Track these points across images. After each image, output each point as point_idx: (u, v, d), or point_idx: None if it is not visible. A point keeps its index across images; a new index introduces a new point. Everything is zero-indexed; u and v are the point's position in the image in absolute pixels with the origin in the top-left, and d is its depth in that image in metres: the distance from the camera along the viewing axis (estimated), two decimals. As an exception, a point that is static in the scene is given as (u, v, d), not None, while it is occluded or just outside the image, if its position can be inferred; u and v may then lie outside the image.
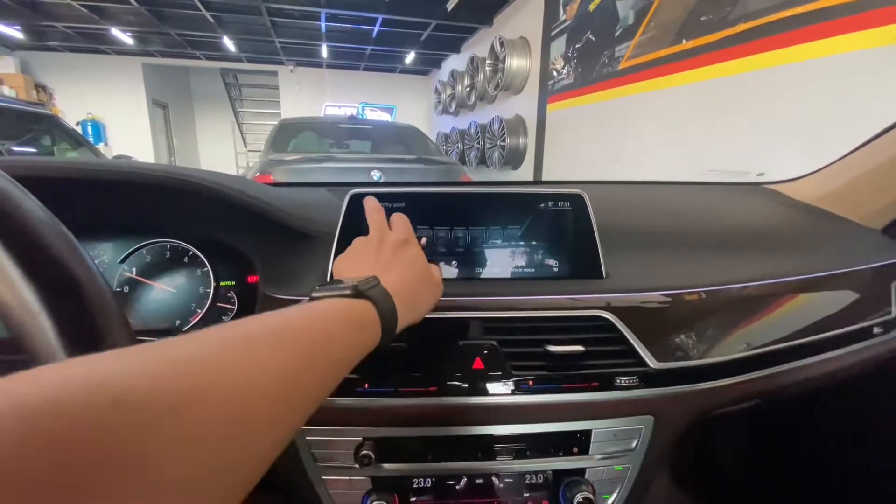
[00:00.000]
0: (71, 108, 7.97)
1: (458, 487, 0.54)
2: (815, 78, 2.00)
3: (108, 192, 0.55)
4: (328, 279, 0.55)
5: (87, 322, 0.27)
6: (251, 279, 0.60)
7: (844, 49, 1.87)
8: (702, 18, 2.62)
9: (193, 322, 0.59)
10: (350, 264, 0.45)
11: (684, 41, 2.75)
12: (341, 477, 0.53)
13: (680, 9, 2.77)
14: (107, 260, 0.60)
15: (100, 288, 0.28)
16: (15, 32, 6.69)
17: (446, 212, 0.57)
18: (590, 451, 0.54)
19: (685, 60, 2.74)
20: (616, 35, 3.44)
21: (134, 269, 0.60)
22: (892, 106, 1.64)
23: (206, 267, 0.61)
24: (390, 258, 0.44)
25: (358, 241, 0.48)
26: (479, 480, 0.54)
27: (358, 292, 0.35)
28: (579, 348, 0.51)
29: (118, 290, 0.59)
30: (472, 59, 6.09)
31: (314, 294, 0.36)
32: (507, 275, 0.57)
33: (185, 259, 0.61)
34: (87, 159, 0.53)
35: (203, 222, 0.61)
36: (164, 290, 0.61)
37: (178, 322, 0.59)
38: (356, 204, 0.57)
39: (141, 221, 0.61)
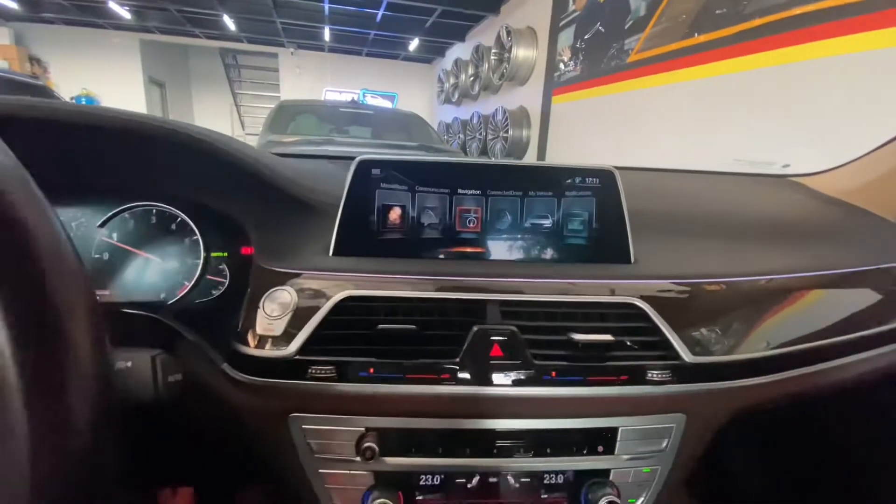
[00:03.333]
0: (65, 83, 7.83)
1: (469, 486, 0.49)
2: (835, 75, 1.95)
3: (88, 144, 0.49)
4: (331, 251, 0.50)
5: (33, 280, 0.21)
6: (245, 250, 0.55)
7: (863, 47, 1.82)
8: (716, 12, 2.56)
9: (180, 295, 0.54)
10: None
11: (697, 35, 2.69)
12: (341, 471, 0.48)
13: (693, 1, 2.71)
14: (84, 223, 0.54)
15: (55, 237, 0.23)
16: (10, 2, 6.51)
17: (462, 184, 0.52)
18: (616, 451, 0.50)
19: (698, 55, 2.68)
20: (626, 27, 3.37)
21: (115, 235, 0.55)
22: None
23: (196, 235, 0.55)
24: None
25: None
26: (493, 479, 0.50)
27: None
28: (607, 338, 0.46)
29: (96, 256, 0.54)
30: (476, 48, 6.00)
31: None
32: (528, 256, 0.53)
33: (173, 226, 0.56)
34: (64, 103, 0.48)
35: (194, 185, 0.55)
36: (149, 260, 0.55)
37: (163, 295, 0.54)
38: (364, 171, 0.52)
39: (124, 182, 0.55)
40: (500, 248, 0.53)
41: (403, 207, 0.52)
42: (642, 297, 0.48)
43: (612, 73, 3.56)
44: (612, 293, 0.49)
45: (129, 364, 0.36)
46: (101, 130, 0.46)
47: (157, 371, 0.38)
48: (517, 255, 0.53)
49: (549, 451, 0.49)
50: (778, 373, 0.51)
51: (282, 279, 0.47)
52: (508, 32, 4.96)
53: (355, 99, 6.88)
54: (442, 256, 0.52)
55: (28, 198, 0.23)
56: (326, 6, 6.27)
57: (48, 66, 7.98)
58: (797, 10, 2.07)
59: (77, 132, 0.46)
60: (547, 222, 0.53)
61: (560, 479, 0.50)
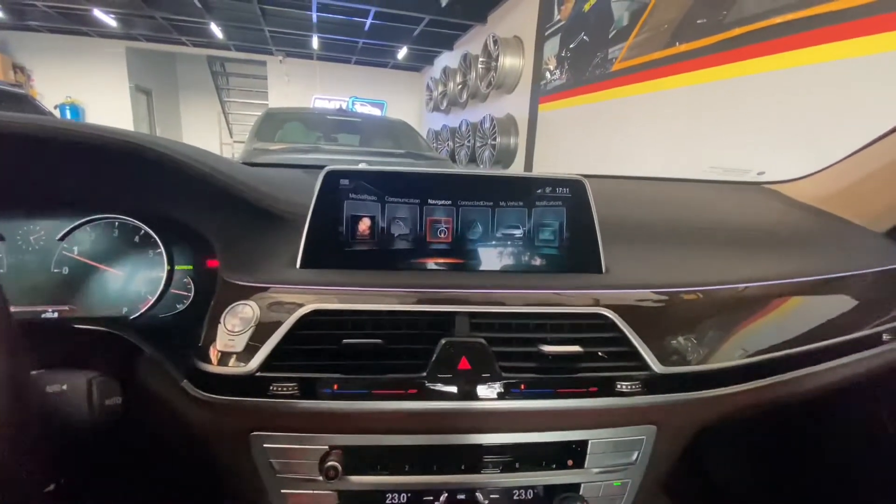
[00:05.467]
0: (50, 91, 7.74)
1: None
2: (811, 83, 1.99)
3: (48, 157, 0.48)
4: (298, 264, 0.49)
5: None
6: (210, 263, 0.54)
7: (839, 56, 1.87)
8: (697, 22, 2.61)
9: (143, 310, 0.53)
10: None
11: (678, 44, 2.74)
12: (303, 491, 0.46)
13: (675, 11, 2.76)
14: (44, 237, 0.53)
15: None
16: (-8, 10, 6.43)
17: (432, 195, 0.52)
18: (586, 464, 0.49)
19: (680, 63, 2.73)
20: (610, 36, 3.42)
21: (75, 249, 0.53)
22: (885, 111, 1.64)
23: (160, 248, 0.54)
24: None
25: None
26: (462, 496, 0.49)
27: None
28: (576, 349, 0.46)
29: (56, 271, 0.52)
30: (464, 57, 6.04)
31: None
32: (498, 266, 0.52)
33: (136, 239, 0.54)
34: (26, 116, 0.46)
35: (157, 198, 0.54)
36: (111, 274, 0.54)
37: (125, 310, 0.53)
38: (333, 182, 0.51)
39: (85, 194, 0.54)
40: (471, 259, 0.52)
41: (373, 218, 0.51)
42: (612, 308, 0.48)
43: (597, 82, 3.60)
44: (582, 304, 0.48)
45: (64, 387, 0.35)
46: (57, 144, 0.44)
47: (93, 394, 0.36)
48: (488, 265, 0.52)
49: (518, 465, 0.48)
50: (750, 381, 0.51)
51: (246, 293, 0.46)
52: (495, 41, 5.00)
53: (343, 107, 6.88)
54: (412, 268, 0.51)
55: None
56: (314, 15, 6.27)
57: (32, 74, 7.88)
58: (776, 20, 2.11)
59: (34, 146, 0.45)
60: (518, 232, 0.53)
61: (530, 495, 0.49)
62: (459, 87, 6.42)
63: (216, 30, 6.95)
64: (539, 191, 0.53)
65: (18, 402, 0.22)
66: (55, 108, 7.44)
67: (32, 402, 0.23)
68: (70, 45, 7.85)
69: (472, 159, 5.81)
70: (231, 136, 10.70)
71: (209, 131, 10.74)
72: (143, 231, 0.54)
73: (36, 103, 3.77)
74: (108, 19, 6.60)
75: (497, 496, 0.49)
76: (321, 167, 0.52)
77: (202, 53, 8.89)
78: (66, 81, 7.95)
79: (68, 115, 7.73)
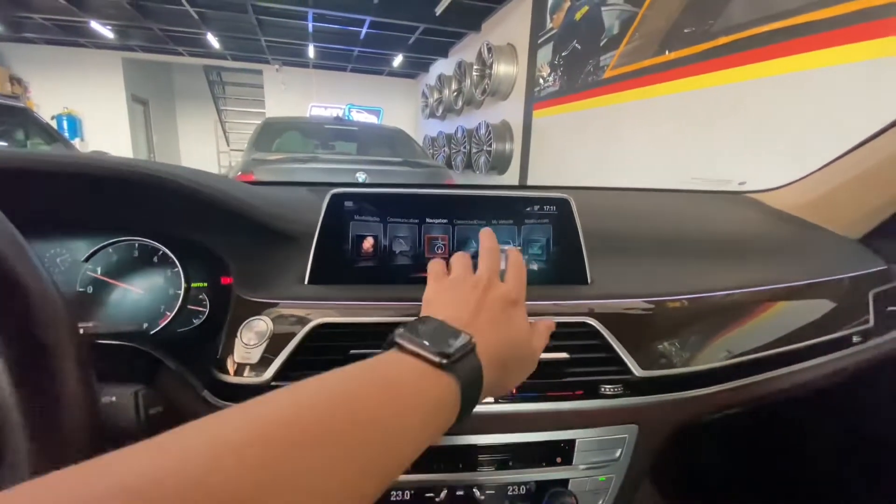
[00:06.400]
0: (46, 102, 7.77)
1: (437, 500, 0.52)
2: (794, 90, 2.05)
3: (74, 188, 0.52)
4: (306, 280, 0.53)
5: (29, 330, 0.24)
6: (224, 280, 0.58)
7: (821, 64, 1.92)
8: (685, 31, 2.67)
9: (162, 325, 0.56)
10: (446, 298, 0.40)
11: (667, 52, 2.80)
12: None
13: (664, 20, 2.82)
14: (69, 258, 0.57)
15: (46, 290, 0.26)
16: (-11, 23, 6.46)
17: (430, 214, 0.56)
18: (573, 462, 0.53)
19: (668, 71, 2.79)
20: (601, 44, 3.49)
21: (99, 269, 0.57)
22: (866, 118, 1.69)
23: (177, 267, 0.58)
24: (495, 313, 0.38)
25: (461, 274, 0.43)
26: (460, 492, 0.52)
27: (448, 362, 0.30)
28: (564, 355, 0.50)
29: (81, 290, 0.56)
30: (459, 64, 6.11)
31: (398, 339, 0.31)
32: None
33: (155, 259, 0.58)
34: (51, 152, 0.50)
35: (174, 220, 0.58)
36: (131, 291, 0.58)
37: (145, 325, 0.56)
38: (337, 204, 0.55)
39: (108, 219, 0.58)
40: None
41: (376, 237, 0.55)
42: (595, 316, 0.52)
43: (590, 89, 3.67)
44: (568, 313, 0.52)
45: (113, 399, 0.39)
46: (86, 177, 0.48)
47: (139, 405, 0.40)
48: None
49: (511, 463, 0.52)
50: (723, 383, 0.55)
51: (259, 308, 0.50)
52: (489, 49, 5.07)
53: (340, 115, 6.93)
54: (412, 282, 0.55)
55: (10, 243, 0.25)
56: (310, 24, 6.34)
57: (28, 86, 7.91)
58: (763, 28, 2.17)
59: (66, 179, 0.48)
60: (509, 248, 0.57)
61: (523, 490, 0.53)
62: (455, 94, 6.48)
63: (213, 40, 7.00)
64: (528, 209, 0.57)
65: (94, 415, 0.26)
66: (52, 118, 7.46)
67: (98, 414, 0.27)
68: (67, 57, 7.88)
69: (469, 165, 5.85)
70: (228, 145, 10.74)
71: (206, 140, 10.78)
72: (161, 252, 0.58)
73: (34, 116, 3.79)
74: (106, 31, 6.65)
75: (493, 492, 0.53)
76: (327, 184, 0.56)
77: (199, 63, 8.95)
78: (62, 92, 7.98)
79: (65, 126, 7.76)
